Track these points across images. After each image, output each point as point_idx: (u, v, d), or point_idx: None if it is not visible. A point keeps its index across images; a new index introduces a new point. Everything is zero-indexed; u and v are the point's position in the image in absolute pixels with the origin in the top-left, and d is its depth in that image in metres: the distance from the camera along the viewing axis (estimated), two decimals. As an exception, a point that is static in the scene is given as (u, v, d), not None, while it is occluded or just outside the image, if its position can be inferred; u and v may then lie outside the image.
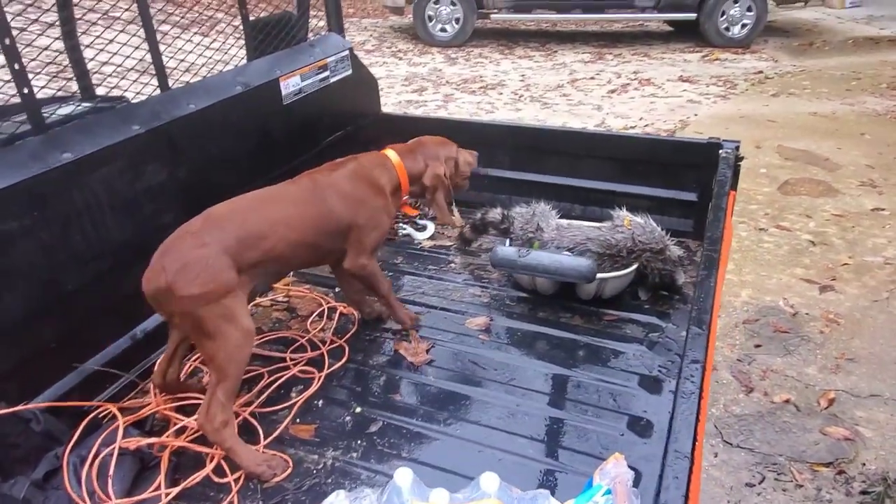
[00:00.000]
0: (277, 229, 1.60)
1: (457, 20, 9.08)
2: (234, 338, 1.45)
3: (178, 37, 2.13)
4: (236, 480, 1.47)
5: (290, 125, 2.24)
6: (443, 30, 9.19)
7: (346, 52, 2.46)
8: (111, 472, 1.41)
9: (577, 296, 2.04)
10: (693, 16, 8.52)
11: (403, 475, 1.18)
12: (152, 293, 1.44)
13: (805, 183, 4.84)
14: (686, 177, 2.29)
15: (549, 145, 2.50)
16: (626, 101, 6.92)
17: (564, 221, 2.15)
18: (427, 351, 1.87)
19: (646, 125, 6.12)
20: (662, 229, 2.06)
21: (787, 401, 2.88)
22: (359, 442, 1.60)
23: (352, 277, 1.87)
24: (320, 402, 1.73)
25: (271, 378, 1.79)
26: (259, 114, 2.11)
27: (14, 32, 1.45)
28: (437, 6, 9.01)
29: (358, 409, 1.70)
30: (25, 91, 1.49)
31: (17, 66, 1.46)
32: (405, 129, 2.72)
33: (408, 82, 7.77)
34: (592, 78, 7.76)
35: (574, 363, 1.82)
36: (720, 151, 2.14)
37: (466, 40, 9.24)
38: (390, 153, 1.89)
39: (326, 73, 2.37)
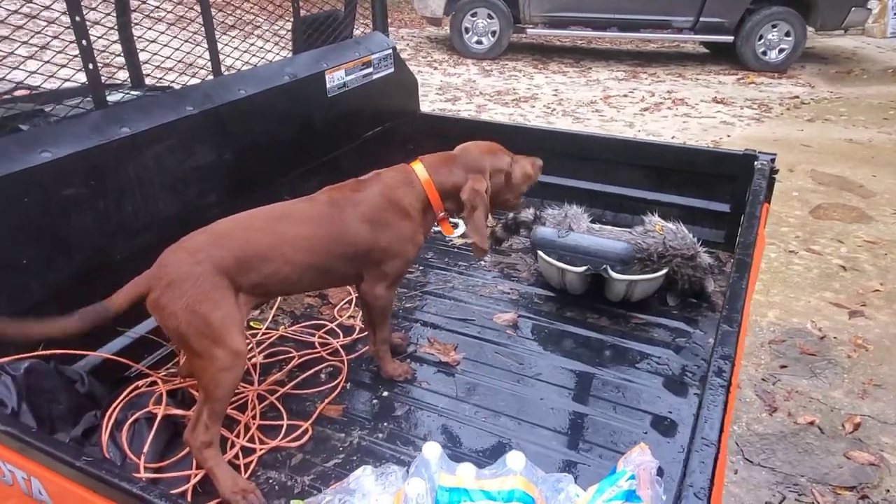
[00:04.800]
0: (284, 251, 1.48)
1: (493, 33, 9.16)
2: (220, 360, 1.36)
3: (227, 30, 2.20)
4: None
5: (332, 118, 2.30)
6: (478, 42, 9.27)
7: (390, 51, 2.52)
8: (150, 435, 1.46)
9: (605, 297, 2.06)
10: (730, 38, 8.50)
11: (432, 449, 1.21)
12: (146, 304, 1.38)
13: (838, 208, 4.79)
14: (720, 188, 2.30)
15: (584, 151, 2.53)
16: (659, 119, 6.91)
17: (596, 225, 2.17)
18: (455, 349, 1.90)
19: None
20: (694, 237, 2.07)
21: (812, 423, 2.85)
22: (384, 424, 1.63)
23: (364, 303, 1.73)
24: (349, 384, 1.77)
25: (301, 360, 1.84)
26: (304, 104, 2.17)
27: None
28: (474, 19, 9.11)
29: (385, 393, 1.73)
30: (90, 67, 1.56)
31: (84, 43, 1.54)
32: (442, 129, 2.78)
33: (442, 91, 7.85)
34: (625, 95, 7.77)
35: (600, 362, 1.84)
36: (756, 163, 2.15)
37: (501, 53, 9.32)
38: (418, 167, 1.66)
39: (370, 70, 2.43)
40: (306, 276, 1.54)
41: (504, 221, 2.31)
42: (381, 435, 1.60)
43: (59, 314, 1.52)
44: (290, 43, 2.34)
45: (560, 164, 2.57)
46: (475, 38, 9.26)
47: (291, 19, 2.26)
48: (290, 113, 2.11)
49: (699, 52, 9.97)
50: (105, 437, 1.44)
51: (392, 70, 2.55)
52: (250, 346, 1.87)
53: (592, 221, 2.22)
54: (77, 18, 1.51)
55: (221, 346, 1.36)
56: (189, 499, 1.40)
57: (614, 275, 1.95)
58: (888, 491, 2.49)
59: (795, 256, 4.16)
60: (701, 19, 8.42)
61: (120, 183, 1.61)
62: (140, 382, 1.62)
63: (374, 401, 1.71)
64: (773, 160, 2.17)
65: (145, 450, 1.43)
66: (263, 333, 1.94)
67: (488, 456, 1.52)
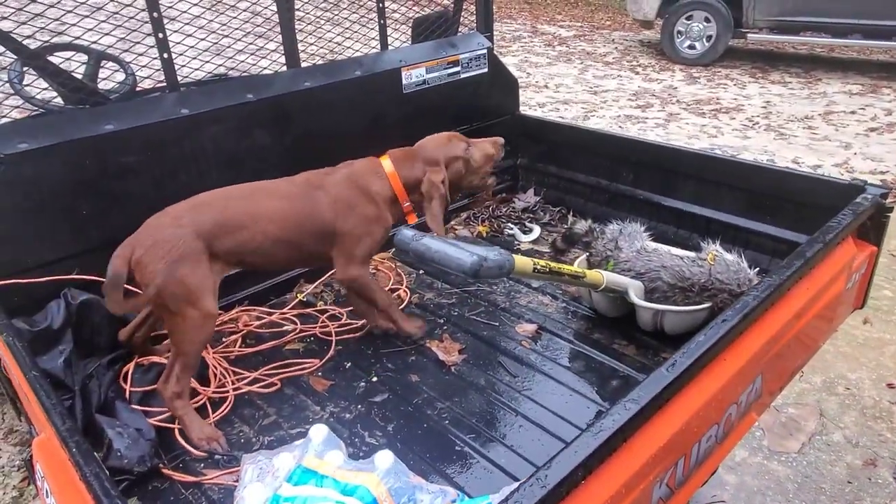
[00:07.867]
0: (259, 221, 1.62)
1: (708, 38, 8.48)
2: (192, 318, 1.50)
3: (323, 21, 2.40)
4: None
5: (409, 112, 2.38)
6: (691, 47, 8.66)
7: (484, 51, 2.53)
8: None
9: (638, 325, 1.88)
10: None
11: (317, 431, 1.25)
12: (125, 264, 1.48)
13: None
14: (817, 221, 1.95)
15: (673, 166, 2.30)
16: (887, 142, 5.87)
17: (652, 245, 1.98)
18: (459, 351, 1.88)
19: (900, 172, 5.16)
20: (756, 273, 1.79)
21: (952, 528, 2.29)
22: (359, 406, 1.69)
23: (347, 289, 1.86)
24: (348, 363, 1.86)
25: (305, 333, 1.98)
26: (376, 98, 2.29)
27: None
28: (689, 22, 8.51)
29: (375, 379, 1.79)
30: (165, 56, 1.84)
31: (161, 35, 1.82)
32: (536, 131, 2.74)
33: (635, 97, 7.50)
34: (853, 112, 6.71)
35: (598, 391, 1.70)
36: (860, 196, 1.79)
37: (715, 59, 8.60)
38: (385, 160, 1.82)
39: (457, 69, 2.47)
40: (279, 249, 1.68)
41: (563, 232, 2.21)
42: (348, 416, 1.66)
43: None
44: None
45: (649, 179, 2.38)
46: (687, 43, 8.66)
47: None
48: (359, 106, 2.24)
49: (975, 65, 8.23)
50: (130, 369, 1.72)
51: (485, 70, 2.56)
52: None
53: (654, 240, 2.03)
54: (155, 15, 1.79)
55: (194, 306, 1.51)
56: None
57: (635, 300, 1.77)
58: None
59: None
60: (976, 26, 6.94)
61: (176, 156, 1.87)
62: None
63: (363, 383, 1.78)
64: (884, 195, 1.79)
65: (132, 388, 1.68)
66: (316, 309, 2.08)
67: (432, 459, 1.50)
